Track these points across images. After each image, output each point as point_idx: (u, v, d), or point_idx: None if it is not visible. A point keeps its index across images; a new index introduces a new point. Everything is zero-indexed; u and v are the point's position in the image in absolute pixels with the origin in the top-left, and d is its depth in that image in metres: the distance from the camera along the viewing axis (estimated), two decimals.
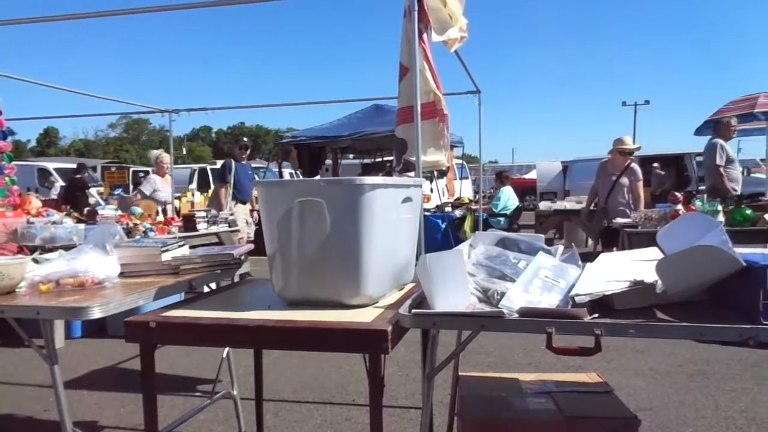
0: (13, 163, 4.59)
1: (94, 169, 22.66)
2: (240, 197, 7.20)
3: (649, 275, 1.55)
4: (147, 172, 19.53)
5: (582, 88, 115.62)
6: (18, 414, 3.31)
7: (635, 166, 6.15)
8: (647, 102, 40.69)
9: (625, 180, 6.07)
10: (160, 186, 7.50)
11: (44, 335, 1.84)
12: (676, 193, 5.18)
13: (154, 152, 6.92)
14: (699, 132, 9.79)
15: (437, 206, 9.82)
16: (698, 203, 4.93)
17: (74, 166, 21.50)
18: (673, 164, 13.80)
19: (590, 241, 8.51)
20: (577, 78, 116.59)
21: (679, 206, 4.83)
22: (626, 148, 6.07)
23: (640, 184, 6.11)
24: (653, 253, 1.86)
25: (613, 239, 6.15)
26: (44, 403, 3.43)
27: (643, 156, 14.25)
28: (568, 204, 9.30)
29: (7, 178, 4.32)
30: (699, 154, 13.90)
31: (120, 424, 3.13)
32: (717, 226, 1.68)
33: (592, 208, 6.67)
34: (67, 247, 3.20)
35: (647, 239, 3.31)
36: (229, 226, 6.51)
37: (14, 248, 2.76)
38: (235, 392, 2.93)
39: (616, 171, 6.14)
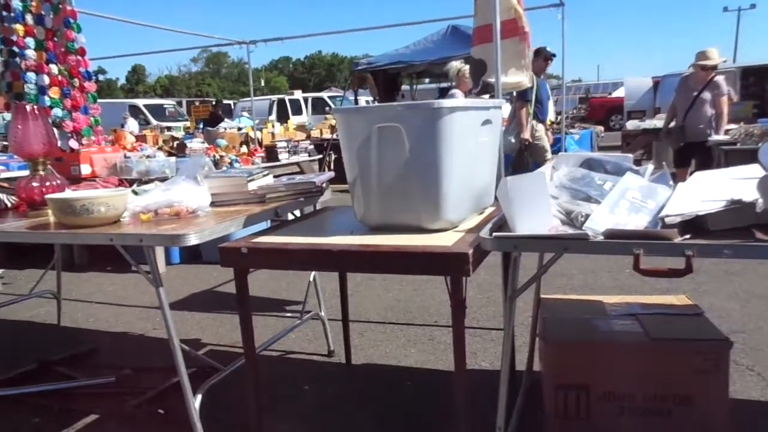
0: (107, 100, 4.83)
1: (180, 104, 23.58)
2: (541, 116, 6.25)
3: (749, 194, 1.46)
4: (229, 105, 20.03)
5: None
6: (131, 332, 3.66)
7: (720, 79, 5.63)
8: (753, 6, 36.64)
9: (707, 95, 5.60)
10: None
11: (148, 261, 1.98)
12: None
13: (455, 64, 5.63)
14: None
15: None
16: None
17: (162, 102, 22.54)
18: None
19: None
20: None
21: None
22: (708, 64, 5.55)
23: (725, 99, 5.61)
24: (754, 171, 1.74)
25: (688, 159, 5.79)
26: (153, 323, 3.76)
27: (746, 67, 13.09)
28: (658, 122, 8.76)
29: (92, 118, 4.53)
30: None
31: (220, 341, 3.39)
32: None
33: (671, 126, 6.22)
34: (161, 179, 3.40)
35: (746, 157, 3.09)
36: (309, 156, 6.65)
37: (115, 181, 2.95)
38: (322, 313, 3.08)
39: (697, 86, 5.67)
